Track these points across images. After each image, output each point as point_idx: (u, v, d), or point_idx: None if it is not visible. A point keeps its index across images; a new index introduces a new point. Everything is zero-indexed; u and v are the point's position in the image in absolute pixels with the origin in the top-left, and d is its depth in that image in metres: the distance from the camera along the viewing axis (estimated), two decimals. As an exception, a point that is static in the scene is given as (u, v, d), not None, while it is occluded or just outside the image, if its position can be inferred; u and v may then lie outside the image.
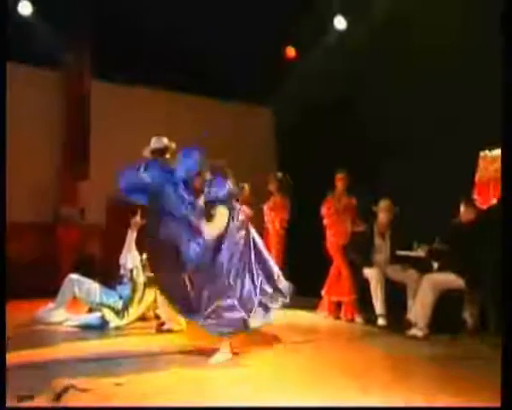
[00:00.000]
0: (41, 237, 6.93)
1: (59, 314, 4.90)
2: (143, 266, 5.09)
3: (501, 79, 2.45)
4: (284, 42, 7.66)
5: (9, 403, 2.35)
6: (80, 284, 5.08)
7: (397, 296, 4.89)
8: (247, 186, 6.72)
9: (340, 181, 5.53)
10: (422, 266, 4.78)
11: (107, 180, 7.15)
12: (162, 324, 4.62)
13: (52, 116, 7.23)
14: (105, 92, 7.35)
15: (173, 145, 4.83)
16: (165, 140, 4.80)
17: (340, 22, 7.04)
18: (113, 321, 4.72)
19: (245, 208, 6.63)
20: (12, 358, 3.52)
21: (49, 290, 5.24)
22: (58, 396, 2.73)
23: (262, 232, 6.51)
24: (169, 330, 4.55)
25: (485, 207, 4.69)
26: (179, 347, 4.07)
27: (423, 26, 5.47)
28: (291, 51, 7.70)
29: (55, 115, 7.25)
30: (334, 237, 5.47)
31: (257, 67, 7.14)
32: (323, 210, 5.54)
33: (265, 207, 6.34)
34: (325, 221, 5.55)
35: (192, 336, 4.46)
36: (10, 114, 6.74)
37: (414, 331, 4.38)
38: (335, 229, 5.46)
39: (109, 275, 5.26)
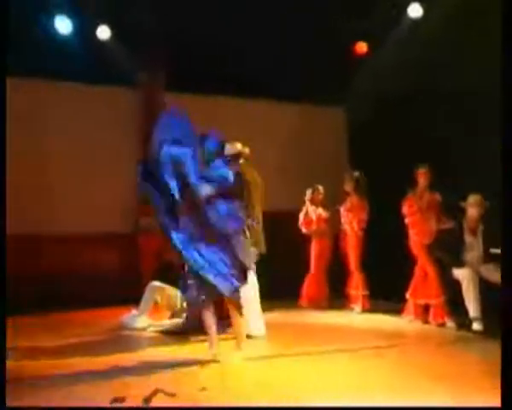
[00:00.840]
0: (123, 247, 7.23)
1: (142, 321, 5.04)
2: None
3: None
4: (354, 37, 7.42)
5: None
6: (162, 291, 5.21)
7: (493, 298, 4.49)
8: (321, 188, 6.60)
9: (422, 177, 5.21)
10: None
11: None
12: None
13: (131, 131, 7.53)
14: (180, 105, 7.51)
15: (247, 150, 4.83)
16: (238, 146, 4.81)
17: (414, 10, 6.70)
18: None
19: (320, 211, 6.53)
20: (100, 362, 3.67)
21: (132, 298, 5.42)
22: (147, 400, 2.76)
23: (339, 234, 6.37)
24: (249, 336, 4.48)
25: None
26: (260, 352, 4.01)
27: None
28: (362, 47, 7.44)
29: (133, 131, 7.55)
30: (418, 237, 5.15)
31: (326, 66, 6.98)
32: (405, 209, 5.24)
33: (342, 209, 6.14)
34: (407, 220, 5.25)
35: (274, 342, 4.41)
36: (96, 132, 7.29)
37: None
38: (419, 228, 5.14)
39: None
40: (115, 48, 7.21)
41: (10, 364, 2.84)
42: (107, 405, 2.69)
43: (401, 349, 4.06)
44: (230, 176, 3.83)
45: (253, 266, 4.56)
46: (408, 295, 5.23)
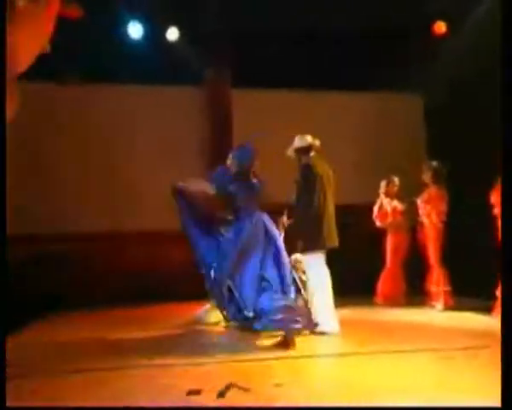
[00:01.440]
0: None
1: (215, 315, 5.05)
2: (293, 266, 5.01)
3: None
4: (432, 17, 6.95)
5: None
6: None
7: None
8: (396, 179, 6.29)
9: (510, 164, 4.77)
10: None
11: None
12: (315, 325, 4.44)
13: (198, 129, 7.66)
14: (246, 99, 7.55)
15: (317, 142, 4.70)
16: (308, 138, 4.70)
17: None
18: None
19: (396, 203, 6.22)
20: (174, 355, 3.70)
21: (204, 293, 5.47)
22: (221, 394, 2.72)
23: (416, 227, 6.02)
24: (323, 333, 4.35)
25: None
26: (333, 349, 3.87)
27: None
28: (440, 27, 6.94)
29: (200, 128, 7.66)
30: (508, 228, 4.72)
31: (402, 50, 6.61)
32: (494, 198, 4.81)
33: (419, 201, 5.80)
34: (496, 210, 4.82)
35: (348, 339, 4.24)
36: (164, 133, 7.49)
37: None
38: (509, 218, 4.71)
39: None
40: (183, 48, 7.37)
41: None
42: (185, 395, 2.69)
43: (495, 350, 3.71)
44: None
45: (322, 260, 4.43)
46: (498, 293, 4.80)
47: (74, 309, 6.07)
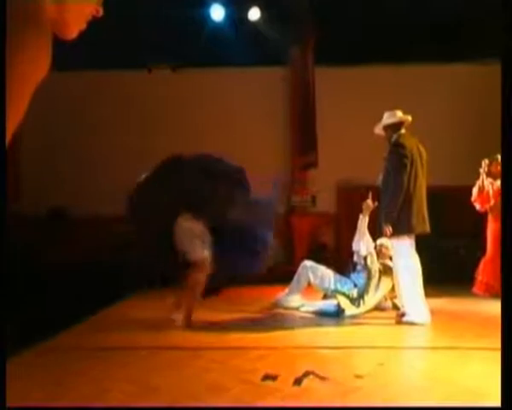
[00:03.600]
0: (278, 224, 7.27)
1: (295, 300, 4.96)
2: (378, 253, 4.74)
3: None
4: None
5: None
6: (314, 271, 5.05)
7: None
8: (499, 157, 5.66)
9: None
10: None
11: (336, 167, 7.11)
12: (402, 315, 4.14)
13: (281, 109, 7.53)
14: (329, 78, 7.27)
15: (409, 118, 4.35)
16: (399, 113, 4.37)
17: None
18: (349, 309, 4.49)
19: (499, 184, 5.60)
20: (252, 339, 3.63)
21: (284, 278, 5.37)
22: (299, 381, 2.59)
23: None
24: (411, 323, 4.03)
25: None
26: (424, 342, 3.56)
27: None
28: None
29: (283, 108, 7.53)
30: None
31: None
32: None
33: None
34: None
35: (440, 331, 3.89)
36: (247, 113, 7.46)
37: None
38: None
39: (342, 262, 5.09)
40: (266, 28, 7.24)
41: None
42: (260, 379, 2.59)
43: None
44: None
45: (412, 246, 4.10)
46: None
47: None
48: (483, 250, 5.74)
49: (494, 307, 4.90)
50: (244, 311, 4.85)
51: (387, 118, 4.36)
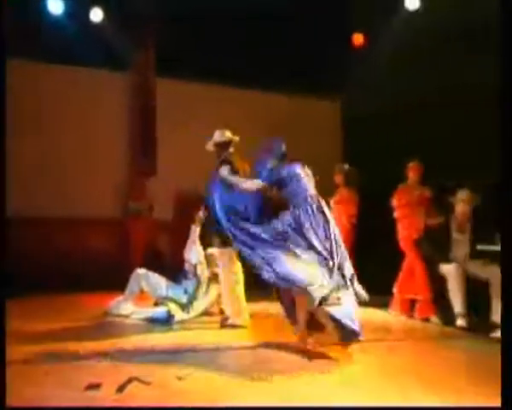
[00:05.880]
0: (111, 231, 7.18)
1: (126, 307, 4.99)
2: (208, 262, 5.08)
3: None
4: (352, 29, 7.33)
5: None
6: (148, 278, 5.16)
7: (479, 295, 4.46)
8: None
9: (412, 171, 5.17)
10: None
11: (174, 175, 7.29)
12: (226, 318, 4.56)
13: (122, 115, 7.46)
14: (170, 89, 7.45)
15: (236, 138, 4.75)
16: (228, 133, 4.71)
17: (411, 2, 6.64)
18: (178, 315, 4.72)
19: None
20: (85, 346, 3.63)
21: (119, 284, 5.37)
22: (121, 388, 2.73)
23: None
24: (232, 326, 4.47)
25: None
26: (243, 342, 3.98)
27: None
28: (359, 38, 7.34)
29: (124, 114, 7.48)
30: (407, 231, 5.11)
31: (324, 58, 6.91)
32: (394, 201, 5.20)
33: (332, 202, 6.06)
34: (396, 213, 5.21)
35: (255, 332, 4.37)
36: (88, 116, 7.20)
37: (499, 334, 3.96)
38: (408, 221, 5.10)
39: (177, 270, 5.28)
40: (108, 30, 7.11)
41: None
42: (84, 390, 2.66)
43: (387, 345, 4.02)
44: None
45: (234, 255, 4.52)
46: (395, 290, 5.21)
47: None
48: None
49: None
50: (77, 319, 4.73)
51: (218, 136, 4.70)
